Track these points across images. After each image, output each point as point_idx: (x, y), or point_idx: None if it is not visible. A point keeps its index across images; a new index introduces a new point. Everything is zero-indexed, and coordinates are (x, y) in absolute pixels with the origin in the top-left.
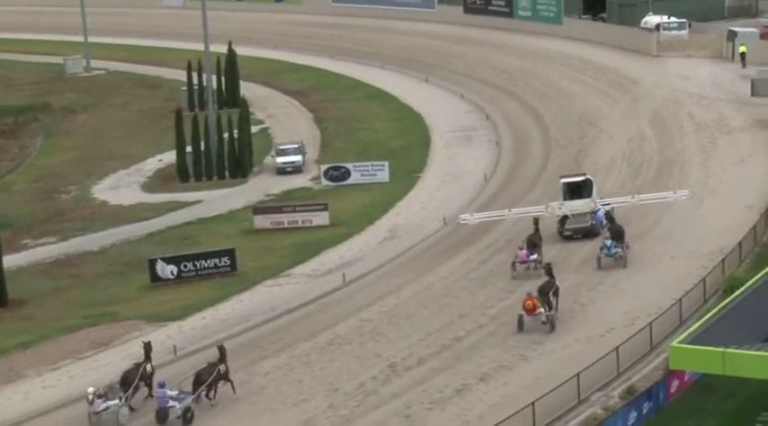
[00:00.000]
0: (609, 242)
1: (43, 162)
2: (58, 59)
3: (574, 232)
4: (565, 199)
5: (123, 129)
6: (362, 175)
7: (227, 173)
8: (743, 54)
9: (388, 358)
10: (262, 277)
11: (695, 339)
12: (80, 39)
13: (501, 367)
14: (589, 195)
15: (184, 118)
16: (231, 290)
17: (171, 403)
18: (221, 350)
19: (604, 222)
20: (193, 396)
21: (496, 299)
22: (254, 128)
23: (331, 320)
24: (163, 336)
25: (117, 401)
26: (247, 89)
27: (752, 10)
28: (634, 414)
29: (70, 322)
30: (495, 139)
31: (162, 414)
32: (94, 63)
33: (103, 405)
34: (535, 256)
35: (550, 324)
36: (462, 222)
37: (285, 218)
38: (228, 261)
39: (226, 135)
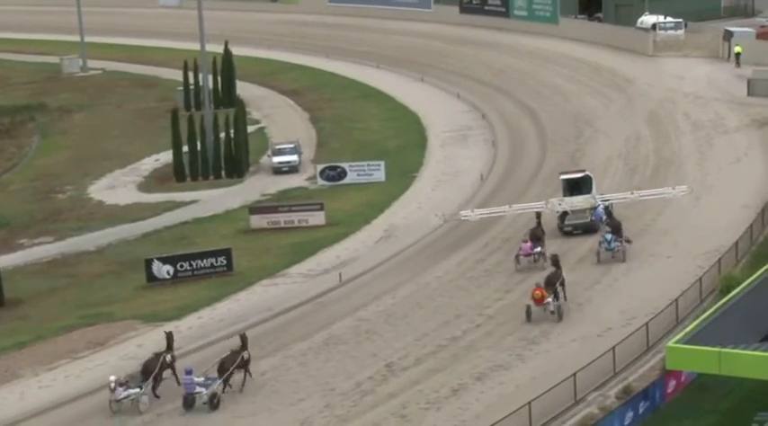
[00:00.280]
0: (609, 236)
1: (40, 161)
2: (54, 59)
3: (574, 228)
4: (564, 196)
5: (120, 129)
6: (359, 175)
7: (223, 173)
8: (738, 54)
9: (384, 357)
10: (258, 277)
11: (691, 339)
12: (76, 38)
13: (497, 366)
14: (589, 191)
15: (181, 117)
16: (227, 290)
17: (198, 389)
18: (243, 338)
19: (604, 218)
20: (219, 382)
21: (493, 299)
22: (250, 128)
23: (327, 320)
24: (159, 336)
25: (138, 389)
26: (243, 89)
27: (748, 10)
28: (630, 414)
29: (66, 322)
30: (491, 139)
31: (189, 400)
32: (91, 63)
33: (124, 393)
34: (538, 249)
35: (558, 314)
36: (463, 218)
37: (281, 218)
38: (225, 261)
39: (222, 134)
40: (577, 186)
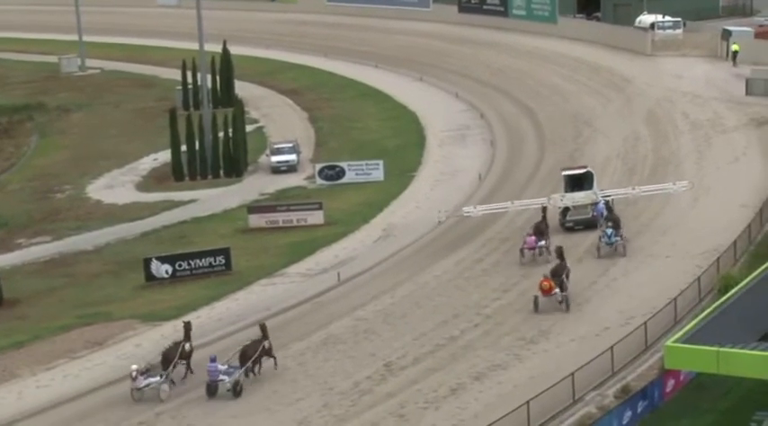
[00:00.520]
0: (609, 230)
1: (38, 161)
2: (52, 58)
3: (575, 223)
4: (566, 192)
5: (118, 129)
6: (357, 174)
7: (221, 172)
8: (735, 52)
9: (382, 357)
10: (256, 276)
11: (690, 338)
12: (75, 38)
13: (495, 366)
14: (590, 187)
15: (179, 117)
16: (226, 289)
17: (221, 376)
18: (263, 327)
19: (605, 213)
20: (242, 370)
21: (491, 299)
22: (248, 128)
23: (326, 319)
24: (157, 335)
25: (158, 378)
26: (242, 88)
27: (746, 9)
28: (629, 414)
29: (64, 321)
30: (489, 138)
31: (212, 388)
32: (89, 62)
33: (145, 382)
34: (543, 242)
35: (565, 304)
36: (466, 214)
37: (280, 217)
38: (223, 261)
39: (220, 134)
40: (579, 182)
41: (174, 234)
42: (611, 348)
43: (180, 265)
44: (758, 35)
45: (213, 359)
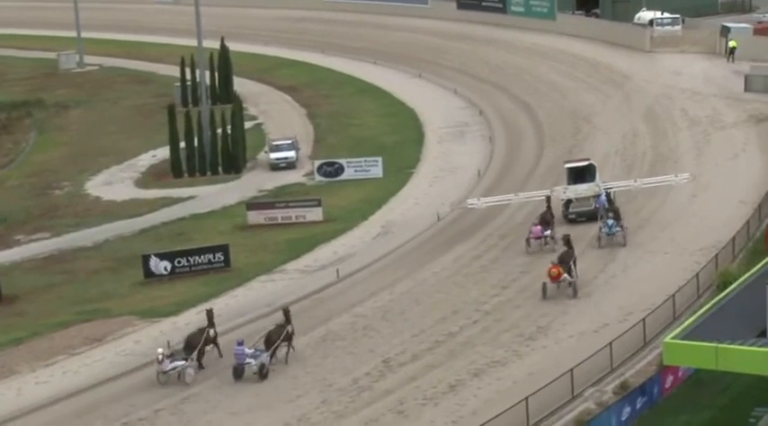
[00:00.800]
0: (610, 221)
1: (36, 157)
2: (51, 55)
3: (578, 215)
4: (569, 184)
5: (116, 125)
6: (356, 171)
7: (220, 169)
8: (733, 49)
9: (381, 353)
10: (255, 272)
11: (688, 334)
12: (73, 34)
13: (494, 362)
14: (592, 179)
15: (178, 113)
16: (225, 286)
17: (248, 360)
18: (286, 312)
19: (607, 205)
20: (268, 353)
21: (490, 295)
22: (247, 124)
23: (325, 316)
24: (156, 332)
25: (184, 361)
26: (240, 85)
27: (745, 5)
28: (628, 410)
29: (63, 318)
30: (488, 135)
31: (239, 370)
32: (88, 58)
33: (171, 365)
34: (548, 232)
35: (573, 289)
36: (470, 206)
37: (279, 214)
38: (222, 257)
39: (219, 131)
40: (581, 174)
41: (173, 230)
42: (610, 344)
43: (179, 262)
44: (757, 31)
45: (240, 343)
